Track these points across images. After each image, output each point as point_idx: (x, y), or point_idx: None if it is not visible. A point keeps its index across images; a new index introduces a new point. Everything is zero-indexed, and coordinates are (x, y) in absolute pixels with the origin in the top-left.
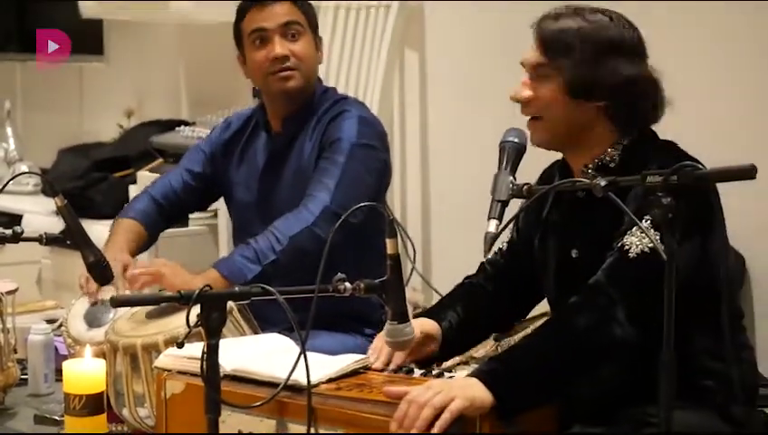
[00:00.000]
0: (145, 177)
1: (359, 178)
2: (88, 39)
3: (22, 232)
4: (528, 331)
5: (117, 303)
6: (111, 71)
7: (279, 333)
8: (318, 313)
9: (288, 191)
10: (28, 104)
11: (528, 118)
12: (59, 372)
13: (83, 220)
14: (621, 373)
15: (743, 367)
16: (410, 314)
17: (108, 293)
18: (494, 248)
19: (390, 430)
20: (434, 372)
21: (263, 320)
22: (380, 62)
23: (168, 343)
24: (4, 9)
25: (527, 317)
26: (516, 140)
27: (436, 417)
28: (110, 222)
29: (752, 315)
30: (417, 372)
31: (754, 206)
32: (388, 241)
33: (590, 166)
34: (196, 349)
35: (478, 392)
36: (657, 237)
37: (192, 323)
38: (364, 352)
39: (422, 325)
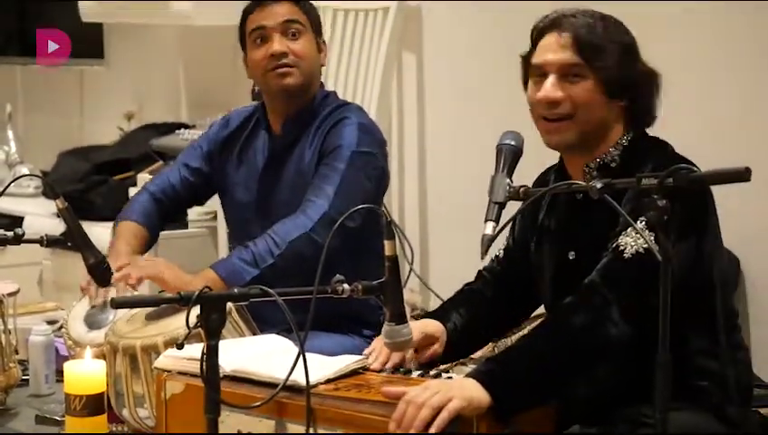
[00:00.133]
0: (145, 179)
1: (358, 185)
2: (88, 42)
3: (23, 234)
4: (524, 331)
5: (117, 304)
6: (112, 74)
7: (278, 334)
8: (316, 314)
9: (287, 193)
10: (29, 107)
11: (547, 119)
12: (60, 372)
13: (84, 222)
14: (617, 373)
15: (738, 368)
16: (408, 316)
17: (109, 294)
18: (491, 255)
19: (389, 430)
20: (431, 373)
21: (262, 321)
22: (378, 64)
23: (168, 344)
24: (4, 12)
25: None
26: (513, 143)
27: (434, 417)
28: (110, 224)
29: (746, 316)
30: (415, 373)
31: (749, 208)
32: (386, 243)
33: (592, 165)
34: (195, 350)
35: (476, 393)
36: (652, 238)
37: (192, 325)
38: (362, 352)
39: (426, 326)
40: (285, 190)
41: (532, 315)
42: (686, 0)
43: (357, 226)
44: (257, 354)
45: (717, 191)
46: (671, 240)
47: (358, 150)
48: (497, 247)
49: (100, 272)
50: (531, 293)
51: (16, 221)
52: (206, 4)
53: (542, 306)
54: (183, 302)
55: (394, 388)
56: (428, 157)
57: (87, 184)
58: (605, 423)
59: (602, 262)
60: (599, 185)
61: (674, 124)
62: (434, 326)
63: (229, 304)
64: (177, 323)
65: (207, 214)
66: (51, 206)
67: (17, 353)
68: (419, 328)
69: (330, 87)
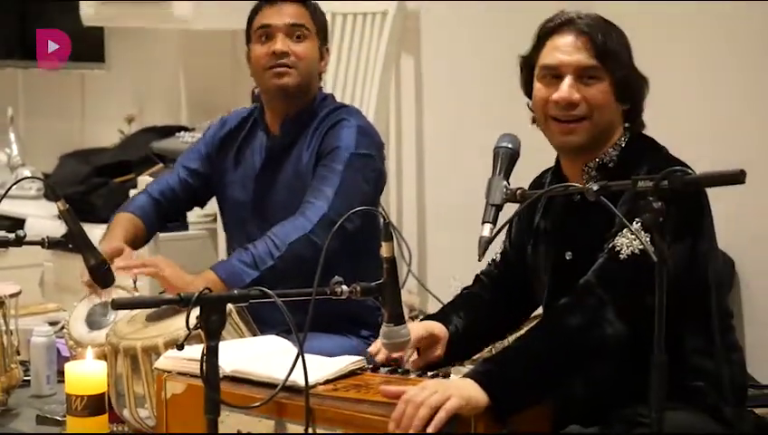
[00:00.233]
0: (145, 182)
1: (356, 186)
2: (89, 46)
3: (24, 236)
4: (521, 332)
5: (117, 305)
6: (112, 77)
7: (277, 335)
8: (315, 315)
9: (284, 194)
10: (30, 110)
11: (559, 119)
12: (61, 373)
13: (84, 224)
14: (613, 373)
15: (732, 368)
16: (406, 317)
17: (110, 295)
18: (488, 257)
19: (389, 430)
20: (429, 374)
21: (261, 322)
22: (377, 66)
23: (168, 344)
24: (6, 16)
25: None
26: (510, 146)
27: (433, 416)
28: None
29: (741, 317)
30: (413, 374)
31: (744, 210)
32: (383, 244)
33: (592, 165)
34: (195, 351)
35: (473, 392)
36: (648, 239)
37: (192, 326)
38: (360, 353)
39: (430, 327)
40: (282, 191)
41: (530, 317)
42: (685, 0)
43: (355, 227)
44: (257, 355)
45: (712, 193)
46: (666, 241)
47: (356, 152)
48: (494, 250)
49: (100, 273)
50: (529, 295)
51: (18, 223)
52: (206, 8)
53: (540, 307)
54: (183, 303)
55: (392, 387)
56: (426, 159)
57: (88, 186)
58: (601, 423)
59: (598, 263)
60: (595, 187)
61: (670, 125)
62: (438, 328)
63: (229, 306)
64: (177, 325)
65: (207, 216)
66: (52, 208)
67: (19, 354)
68: (426, 328)
69: (329, 89)
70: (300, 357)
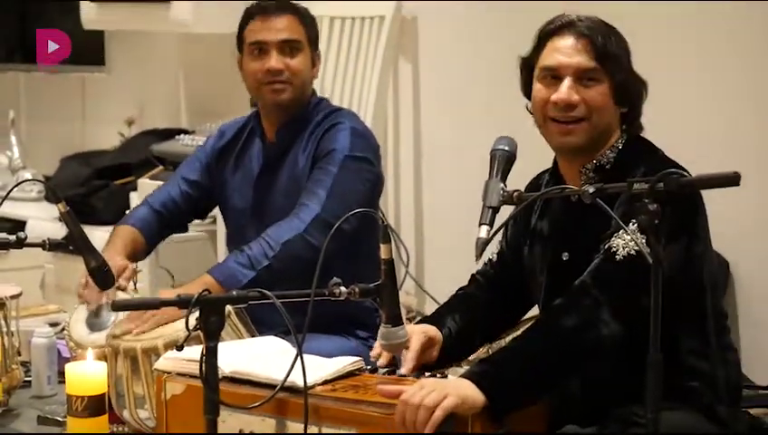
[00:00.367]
0: (145, 184)
1: (350, 187)
2: (90, 49)
3: (25, 238)
4: (517, 333)
5: (117, 307)
6: (113, 81)
7: (276, 336)
8: (314, 316)
9: (282, 199)
10: (31, 113)
11: (558, 120)
12: (62, 374)
13: (85, 226)
14: (610, 373)
15: (727, 368)
16: (404, 318)
17: (108, 297)
18: (484, 259)
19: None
20: (427, 374)
21: (260, 323)
22: (375, 72)
23: (168, 346)
24: (7, 20)
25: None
26: (507, 148)
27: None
28: (111, 228)
29: (735, 318)
30: (410, 375)
31: (738, 211)
32: (382, 246)
33: (589, 166)
34: (195, 352)
35: (470, 392)
36: (644, 240)
37: (191, 327)
38: (358, 354)
39: (427, 330)
40: (280, 196)
41: (527, 318)
42: (683, 0)
43: (352, 228)
44: (256, 356)
45: (707, 195)
46: (662, 243)
47: (351, 154)
48: (490, 251)
49: (101, 275)
50: (524, 295)
51: (19, 225)
52: (206, 11)
53: (536, 307)
54: (182, 305)
55: (390, 387)
56: (423, 162)
57: (88, 188)
58: (597, 422)
59: (594, 263)
60: (591, 189)
61: (668, 126)
62: (433, 330)
63: (228, 307)
64: (176, 326)
65: (207, 218)
66: (53, 210)
67: (20, 355)
68: (423, 330)
69: (327, 93)
70: (298, 358)
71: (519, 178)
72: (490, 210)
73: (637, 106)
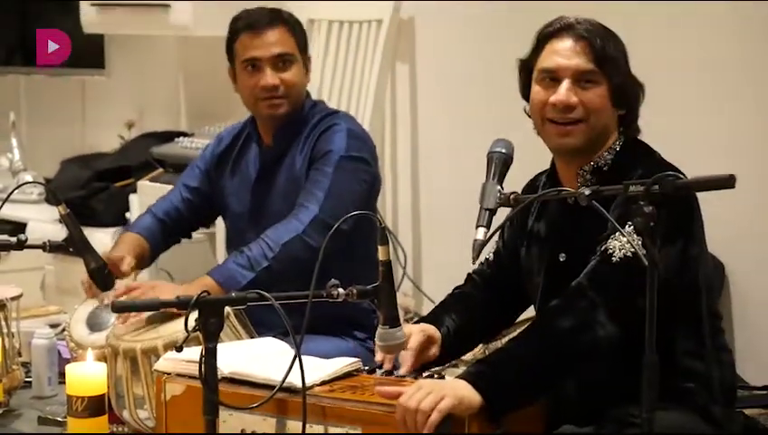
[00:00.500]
0: (145, 186)
1: (347, 188)
2: (89, 53)
3: (26, 240)
4: (514, 334)
5: (117, 308)
6: (112, 84)
7: (274, 337)
8: (312, 317)
9: (280, 201)
10: (32, 116)
11: (556, 122)
12: (62, 374)
13: (85, 228)
14: (606, 374)
15: (722, 369)
16: (401, 319)
17: (109, 298)
18: (481, 259)
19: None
20: (424, 375)
21: (258, 324)
22: (372, 75)
23: (168, 347)
24: (7, 23)
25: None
26: (503, 151)
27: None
28: (111, 230)
29: (730, 320)
30: (409, 376)
31: (734, 214)
32: (379, 248)
33: (587, 168)
34: (194, 353)
35: (467, 393)
36: (640, 242)
37: (190, 328)
38: (356, 355)
39: (425, 329)
40: (278, 199)
41: (524, 319)
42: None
43: (348, 229)
44: (254, 357)
45: (702, 197)
46: (657, 245)
47: (347, 155)
48: (487, 251)
49: (101, 277)
50: (521, 296)
51: (20, 227)
52: (206, 15)
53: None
54: (182, 306)
55: (388, 387)
56: (421, 164)
57: (88, 191)
58: (594, 423)
59: (590, 265)
60: (587, 192)
61: (665, 128)
62: (432, 329)
63: (227, 309)
64: (176, 327)
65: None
66: (53, 212)
67: (20, 356)
68: (421, 329)
69: (325, 97)
70: (297, 359)
71: (516, 180)
72: (487, 212)
73: (634, 108)
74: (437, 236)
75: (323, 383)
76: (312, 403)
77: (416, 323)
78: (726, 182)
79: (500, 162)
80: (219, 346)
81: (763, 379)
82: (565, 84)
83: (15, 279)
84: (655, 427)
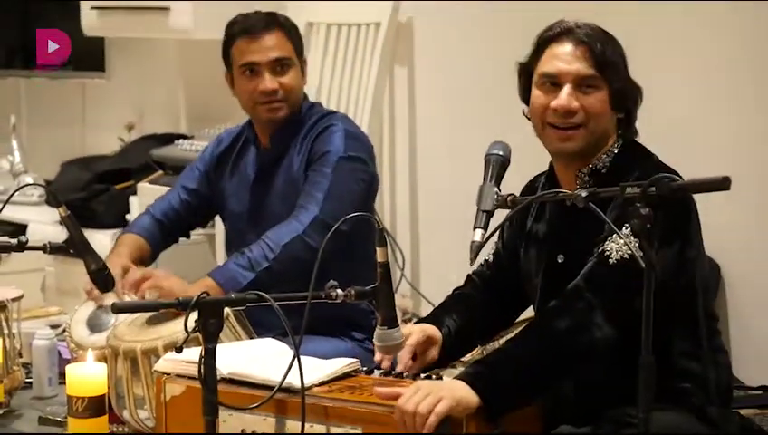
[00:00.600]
0: (145, 188)
1: (346, 188)
2: (90, 56)
3: (27, 241)
4: (512, 334)
5: (118, 309)
6: (113, 86)
7: (273, 337)
8: (310, 318)
9: (278, 202)
10: (32, 119)
11: (556, 126)
12: (62, 375)
13: (85, 230)
14: (603, 375)
15: (718, 370)
16: (399, 320)
17: (110, 299)
18: (480, 260)
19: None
20: (422, 376)
21: (258, 325)
22: (371, 77)
23: (168, 347)
24: (8, 26)
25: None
26: (501, 153)
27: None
28: (111, 232)
29: (726, 320)
30: (407, 376)
31: (730, 216)
32: (378, 250)
33: (585, 171)
34: (194, 353)
35: (465, 393)
36: (637, 244)
37: (190, 329)
38: (355, 355)
39: (426, 329)
40: (276, 200)
41: (523, 318)
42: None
43: (348, 230)
44: (254, 357)
45: (699, 199)
46: (654, 247)
47: (345, 155)
48: (486, 252)
49: (101, 278)
50: (520, 296)
51: (20, 229)
52: (205, 19)
53: (530, 308)
54: (181, 307)
55: (386, 388)
56: (419, 167)
57: (89, 193)
58: (591, 423)
59: (587, 267)
60: (584, 194)
61: (663, 129)
62: (433, 330)
63: (226, 309)
64: (176, 328)
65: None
66: (54, 214)
67: (21, 357)
68: (422, 329)
69: (323, 99)
70: (296, 359)
71: (514, 182)
72: (484, 214)
73: (633, 111)
74: (435, 237)
75: (322, 384)
76: (312, 403)
77: (416, 323)
78: (721, 184)
79: (497, 164)
80: (218, 347)
81: (759, 379)
82: (566, 89)
83: (16, 280)
84: (651, 427)
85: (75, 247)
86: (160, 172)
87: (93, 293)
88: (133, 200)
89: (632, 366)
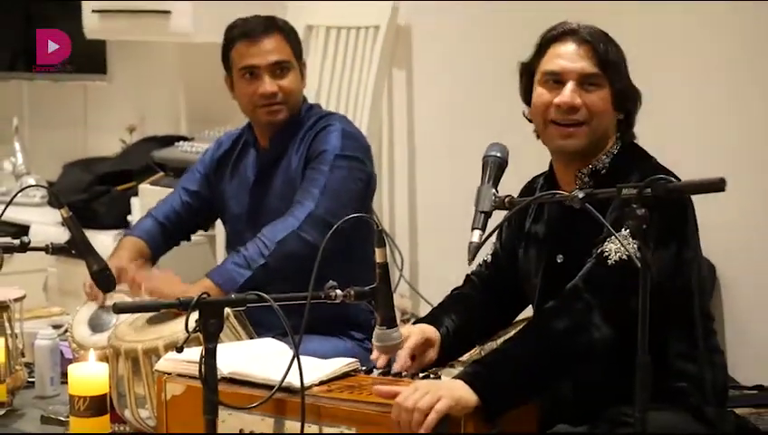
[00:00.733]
0: (146, 190)
1: (342, 185)
2: (92, 59)
3: (29, 242)
4: (510, 334)
5: (119, 309)
6: (114, 89)
7: (273, 337)
8: (310, 318)
9: (277, 202)
10: (35, 121)
11: (559, 123)
12: (64, 375)
13: (87, 231)
14: (601, 375)
15: (714, 370)
16: (398, 320)
17: (111, 299)
18: (479, 260)
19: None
20: (420, 375)
21: (258, 325)
22: (369, 81)
23: (168, 347)
24: (10, 30)
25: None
26: (498, 155)
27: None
28: (112, 233)
29: (722, 321)
30: (406, 376)
31: (726, 216)
32: (377, 250)
33: (585, 171)
34: (194, 353)
35: (463, 393)
36: (635, 245)
37: (191, 329)
38: (354, 355)
39: (425, 329)
40: (275, 200)
41: (519, 320)
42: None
43: (346, 229)
44: (254, 357)
45: (695, 199)
46: (651, 248)
47: (341, 154)
48: (485, 252)
49: (103, 278)
50: (519, 296)
51: (23, 230)
52: (206, 22)
53: (528, 309)
54: (182, 307)
55: (385, 387)
56: (418, 168)
57: (90, 194)
58: (588, 422)
59: (586, 267)
60: (580, 195)
61: (662, 129)
62: (431, 330)
63: (227, 310)
64: (176, 328)
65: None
66: (56, 215)
67: (23, 356)
68: (421, 329)
69: (322, 102)
70: (295, 359)
71: (512, 183)
72: (482, 215)
73: (632, 113)
74: (434, 238)
75: (321, 383)
76: (309, 403)
77: (414, 323)
78: (717, 185)
79: (495, 166)
80: (219, 347)
81: (754, 379)
82: (570, 86)
83: (18, 281)
84: (648, 426)
85: (77, 248)
86: (161, 174)
87: (94, 294)
88: (134, 202)
89: (629, 366)
